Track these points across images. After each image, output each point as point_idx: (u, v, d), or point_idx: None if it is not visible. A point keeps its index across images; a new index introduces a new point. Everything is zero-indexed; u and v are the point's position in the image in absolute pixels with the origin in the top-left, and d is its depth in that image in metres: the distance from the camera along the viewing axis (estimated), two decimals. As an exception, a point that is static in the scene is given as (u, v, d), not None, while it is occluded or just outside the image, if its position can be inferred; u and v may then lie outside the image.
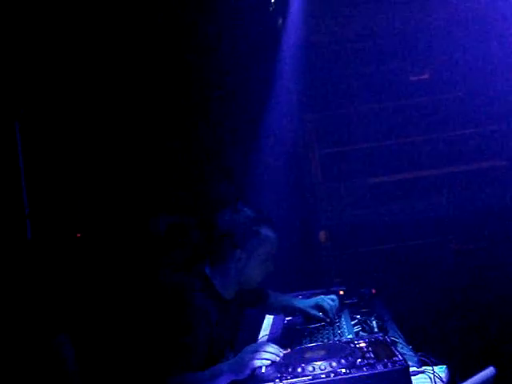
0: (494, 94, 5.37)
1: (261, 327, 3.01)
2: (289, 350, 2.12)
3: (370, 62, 5.63)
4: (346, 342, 2.02)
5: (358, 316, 2.66)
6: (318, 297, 2.86)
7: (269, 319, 3.10)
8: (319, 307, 2.78)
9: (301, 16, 4.95)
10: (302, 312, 2.85)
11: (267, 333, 2.86)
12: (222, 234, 2.50)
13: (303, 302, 2.88)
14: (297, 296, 3.10)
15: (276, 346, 2.13)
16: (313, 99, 5.62)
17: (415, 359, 2.07)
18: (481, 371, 1.67)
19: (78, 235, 4.53)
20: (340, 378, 1.70)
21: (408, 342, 2.37)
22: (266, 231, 2.54)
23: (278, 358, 2.05)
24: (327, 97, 5.67)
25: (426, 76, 5.81)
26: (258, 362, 2.06)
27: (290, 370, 1.82)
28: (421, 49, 5.57)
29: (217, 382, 2.13)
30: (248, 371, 2.06)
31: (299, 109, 5.54)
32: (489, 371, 1.69)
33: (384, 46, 5.60)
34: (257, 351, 2.10)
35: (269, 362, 2.05)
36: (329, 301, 2.80)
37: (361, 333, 2.45)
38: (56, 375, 2.72)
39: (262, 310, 3.09)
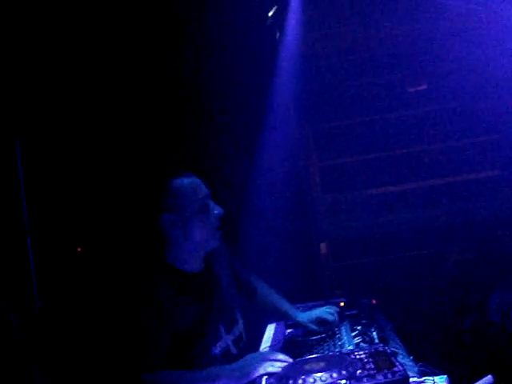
0: (492, 105, 5.40)
1: (262, 339, 3.00)
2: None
3: (367, 74, 5.66)
4: (346, 353, 2.03)
5: (359, 327, 2.66)
6: (318, 310, 2.86)
7: (270, 331, 3.10)
8: (320, 320, 2.78)
9: (298, 29, 4.98)
10: (302, 326, 2.84)
11: (268, 344, 2.86)
12: (144, 210, 2.45)
13: (303, 316, 2.86)
14: (298, 308, 3.09)
15: (284, 355, 2.10)
16: (311, 111, 5.65)
17: (416, 370, 2.07)
18: (479, 380, 1.68)
19: (79, 249, 4.54)
20: (340, 389, 1.70)
21: (409, 352, 2.38)
22: (177, 182, 2.41)
23: (284, 364, 2.03)
24: (325, 109, 5.69)
25: (423, 87, 5.83)
26: (261, 370, 2.02)
27: (290, 381, 1.82)
28: (418, 60, 5.61)
29: None
30: (248, 379, 2.02)
31: (298, 121, 5.56)
32: (487, 379, 1.70)
33: (381, 58, 5.63)
34: (265, 359, 2.07)
35: (276, 369, 2.01)
36: (329, 313, 2.79)
37: (361, 344, 2.45)
38: None
39: (255, 307, 2.98)
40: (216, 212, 2.45)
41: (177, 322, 2.26)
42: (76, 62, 4.52)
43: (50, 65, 4.40)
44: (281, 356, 2.08)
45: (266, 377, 1.99)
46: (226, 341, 2.43)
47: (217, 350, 2.38)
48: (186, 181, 2.42)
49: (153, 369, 2.16)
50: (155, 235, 2.44)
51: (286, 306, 2.94)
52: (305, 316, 2.85)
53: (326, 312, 2.80)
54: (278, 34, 5.09)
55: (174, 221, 2.37)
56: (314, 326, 2.77)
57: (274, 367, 2.03)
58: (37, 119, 4.36)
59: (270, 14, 4.96)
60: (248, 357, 2.19)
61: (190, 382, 2.14)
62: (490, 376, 1.72)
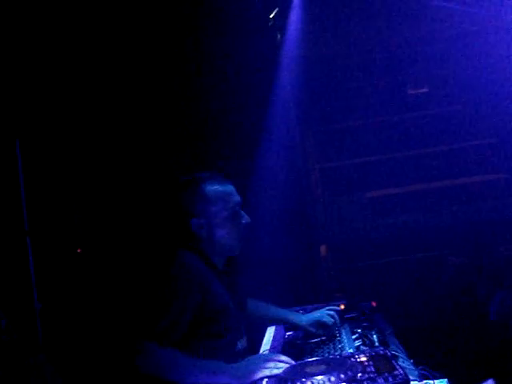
0: (493, 108, 5.40)
1: (261, 342, 2.99)
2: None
3: (368, 76, 5.66)
4: (346, 357, 2.02)
5: (359, 330, 2.65)
6: (318, 313, 2.84)
7: (270, 334, 3.09)
8: (320, 323, 2.76)
9: (299, 31, 4.98)
10: (299, 328, 2.83)
11: (268, 347, 2.85)
12: (173, 212, 2.43)
13: (302, 319, 2.84)
14: (298, 311, 3.08)
15: (286, 357, 2.07)
16: (311, 113, 5.65)
17: (416, 373, 2.07)
18: (477, 381, 1.68)
19: (79, 250, 4.54)
20: (340, 393, 1.69)
21: (409, 355, 2.37)
22: (210, 188, 2.40)
23: (287, 366, 2.00)
24: (326, 111, 5.70)
25: (424, 90, 5.84)
26: (264, 371, 1.99)
27: (290, 384, 1.81)
28: (419, 63, 5.61)
29: (211, 379, 2.03)
30: (250, 379, 1.99)
31: (298, 123, 5.56)
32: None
33: (382, 60, 5.63)
34: (268, 361, 2.04)
35: (278, 371, 1.98)
36: (329, 315, 2.78)
37: (361, 347, 2.44)
38: None
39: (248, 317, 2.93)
40: (243, 221, 2.46)
41: (206, 296, 2.24)
42: (76, 63, 4.52)
43: (50, 66, 4.40)
44: (283, 358, 2.07)
45: (266, 379, 1.98)
46: (245, 339, 2.45)
47: (241, 345, 2.38)
48: (220, 188, 2.42)
49: (162, 341, 2.10)
50: (182, 232, 2.43)
51: (281, 312, 2.92)
52: (304, 318, 2.83)
53: (325, 315, 2.78)
54: (278, 36, 5.10)
55: (201, 225, 2.38)
56: (312, 329, 2.75)
57: (277, 369, 2.01)
58: (37, 121, 4.36)
59: (272, 16, 4.97)
60: (251, 358, 2.17)
61: (190, 366, 2.10)
62: (491, 380, 1.71)
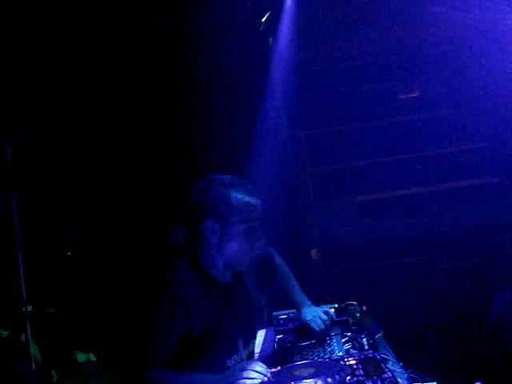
0: (484, 112, 5.43)
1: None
2: (279, 367, 2.11)
3: (359, 81, 5.68)
4: (335, 360, 2.02)
5: (349, 333, 2.65)
6: (310, 317, 2.82)
7: (260, 337, 3.09)
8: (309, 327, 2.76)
9: (291, 35, 4.99)
10: (305, 325, 2.81)
11: (258, 350, 2.85)
12: (192, 206, 2.28)
13: (307, 314, 2.77)
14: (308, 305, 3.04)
15: (264, 366, 2.04)
16: (303, 117, 5.65)
17: (405, 376, 2.07)
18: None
19: (69, 253, 4.53)
20: (330, 396, 1.70)
21: (398, 359, 2.37)
22: (237, 195, 2.24)
23: (265, 378, 1.96)
24: (318, 115, 5.70)
25: (415, 94, 5.86)
26: (247, 382, 1.97)
27: (279, 387, 1.82)
28: (410, 67, 5.63)
29: None
30: None
31: (290, 127, 5.57)
32: (476, 387, 1.70)
33: (373, 65, 5.65)
34: (245, 370, 2.02)
35: (257, 382, 1.96)
36: (320, 322, 2.76)
37: (351, 350, 2.44)
38: None
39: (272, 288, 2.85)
40: (256, 243, 2.32)
41: (192, 322, 2.18)
42: (68, 60, 4.51)
43: (40, 63, 4.39)
44: (259, 368, 2.01)
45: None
46: (241, 355, 2.37)
47: (231, 362, 2.30)
48: (247, 198, 2.26)
49: (152, 365, 2.11)
50: (193, 235, 2.32)
51: (298, 298, 2.86)
52: (309, 313, 2.81)
53: (316, 320, 2.77)
54: (270, 40, 5.10)
55: (214, 230, 2.25)
56: (314, 326, 2.73)
57: (256, 377, 1.99)
58: (27, 121, 4.35)
59: (263, 19, 4.98)
60: (233, 367, 2.15)
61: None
62: (478, 383, 1.72)
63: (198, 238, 2.30)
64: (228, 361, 2.29)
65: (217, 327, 2.24)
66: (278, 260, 2.88)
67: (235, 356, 2.32)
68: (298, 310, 2.84)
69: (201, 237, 2.29)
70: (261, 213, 2.32)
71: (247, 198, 2.26)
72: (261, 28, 5.03)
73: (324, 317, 2.76)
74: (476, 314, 4.68)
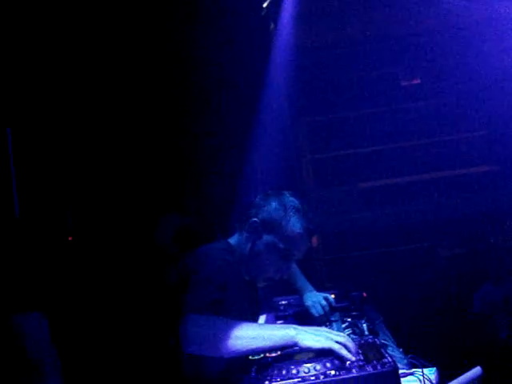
0: (485, 100, 5.41)
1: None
2: (279, 352, 2.11)
3: (361, 67, 5.66)
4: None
5: (349, 319, 2.66)
6: (311, 302, 2.84)
7: (260, 322, 3.10)
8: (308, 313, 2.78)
9: (292, 21, 4.97)
10: (305, 310, 2.83)
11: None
12: (252, 206, 2.34)
13: (308, 298, 2.82)
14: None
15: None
16: (304, 104, 5.64)
17: (405, 361, 2.08)
18: (468, 371, 1.69)
19: (70, 238, 4.53)
20: (329, 380, 1.69)
21: (398, 344, 2.38)
22: (295, 221, 2.27)
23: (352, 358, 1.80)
24: (319, 102, 5.69)
25: (417, 81, 5.84)
26: (336, 346, 1.80)
27: (279, 372, 1.82)
28: (412, 54, 5.61)
29: (267, 342, 1.91)
30: (317, 346, 1.86)
31: (291, 114, 5.55)
32: (475, 371, 1.70)
33: (375, 51, 5.63)
34: (341, 340, 1.85)
35: (344, 352, 1.80)
36: (319, 307, 2.79)
37: (351, 336, 2.45)
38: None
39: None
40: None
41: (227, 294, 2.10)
42: (69, 57, 4.50)
43: (44, 57, 4.38)
44: (351, 345, 1.85)
45: (255, 367, 1.98)
46: None
47: None
48: (303, 223, 2.29)
49: (214, 312, 1.97)
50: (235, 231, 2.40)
51: (299, 283, 2.90)
52: (309, 299, 2.83)
53: (316, 306, 2.79)
54: (272, 26, 5.08)
55: (257, 231, 2.30)
56: (314, 312, 2.76)
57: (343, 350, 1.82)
58: (29, 110, 4.34)
59: (265, 5, 4.95)
60: (320, 327, 2.01)
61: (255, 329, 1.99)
62: (478, 367, 1.72)
63: (238, 227, 2.37)
64: None
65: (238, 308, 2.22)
66: None
67: None
68: (300, 295, 2.87)
69: (241, 230, 2.35)
70: (306, 245, 2.36)
71: (303, 223, 2.29)
72: (262, 14, 5.00)
73: (324, 303, 2.79)
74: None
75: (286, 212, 2.29)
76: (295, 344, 1.89)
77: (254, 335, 1.93)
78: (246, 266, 2.33)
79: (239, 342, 1.90)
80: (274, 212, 2.29)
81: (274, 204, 2.32)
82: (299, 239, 2.30)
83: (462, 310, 4.71)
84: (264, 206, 2.31)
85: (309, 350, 1.88)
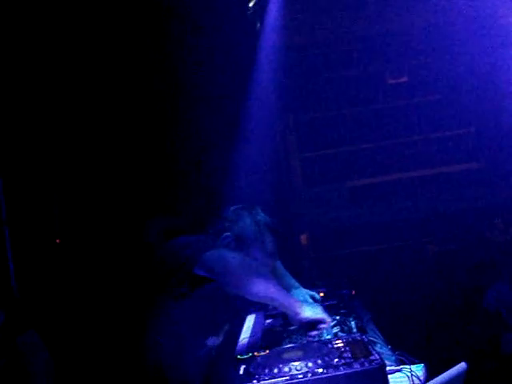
0: (472, 97, 5.44)
1: (241, 329, 3.00)
2: (267, 351, 2.12)
3: (348, 66, 5.67)
4: (323, 343, 2.03)
5: (338, 317, 2.67)
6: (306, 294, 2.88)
7: (250, 321, 3.10)
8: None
9: (279, 20, 4.97)
10: None
11: (247, 335, 2.86)
12: (226, 219, 2.48)
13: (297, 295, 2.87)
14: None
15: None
16: (292, 103, 5.64)
17: (393, 358, 2.09)
18: (453, 367, 1.70)
19: (58, 241, 4.50)
20: (317, 378, 1.70)
21: (387, 341, 2.39)
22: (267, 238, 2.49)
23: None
24: (306, 100, 5.70)
25: (404, 79, 5.86)
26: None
27: (267, 370, 1.82)
28: (399, 52, 5.63)
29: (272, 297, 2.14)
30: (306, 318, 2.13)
31: (278, 113, 5.55)
32: (460, 367, 1.72)
33: (362, 50, 5.64)
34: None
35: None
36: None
37: (339, 333, 2.46)
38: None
39: None
40: None
41: None
42: (52, 54, 4.49)
43: (30, 56, 4.36)
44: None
45: (243, 366, 1.99)
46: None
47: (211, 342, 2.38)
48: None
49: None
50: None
51: (287, 280, 2.98)
52: (296, 296, 2.84)
53: (304, 301, 2.80)
54: (258, 25, 5.08)
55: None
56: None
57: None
58: (15, 108, 4.32)
59: (251, 4, 4.95)
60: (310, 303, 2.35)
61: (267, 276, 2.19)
62: (463, 363, 1.73)
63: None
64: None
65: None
66: None
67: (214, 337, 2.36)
68: (288, 292, 2.88)
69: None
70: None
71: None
72: (248, 13, 5.00)
73: (310, 301, 2.80)
74: (466, 297, 4.72)
75: (259, 228, 2.46)
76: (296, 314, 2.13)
77: (273, 286, 2.15)
78: None
79: (260, 284, 2.13)
80: (249, 228, 2.44)
81: (247, 220, 2.45)
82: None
83: (452, 306, 4.72)
84: (237, 221, 2.45)
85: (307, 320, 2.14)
